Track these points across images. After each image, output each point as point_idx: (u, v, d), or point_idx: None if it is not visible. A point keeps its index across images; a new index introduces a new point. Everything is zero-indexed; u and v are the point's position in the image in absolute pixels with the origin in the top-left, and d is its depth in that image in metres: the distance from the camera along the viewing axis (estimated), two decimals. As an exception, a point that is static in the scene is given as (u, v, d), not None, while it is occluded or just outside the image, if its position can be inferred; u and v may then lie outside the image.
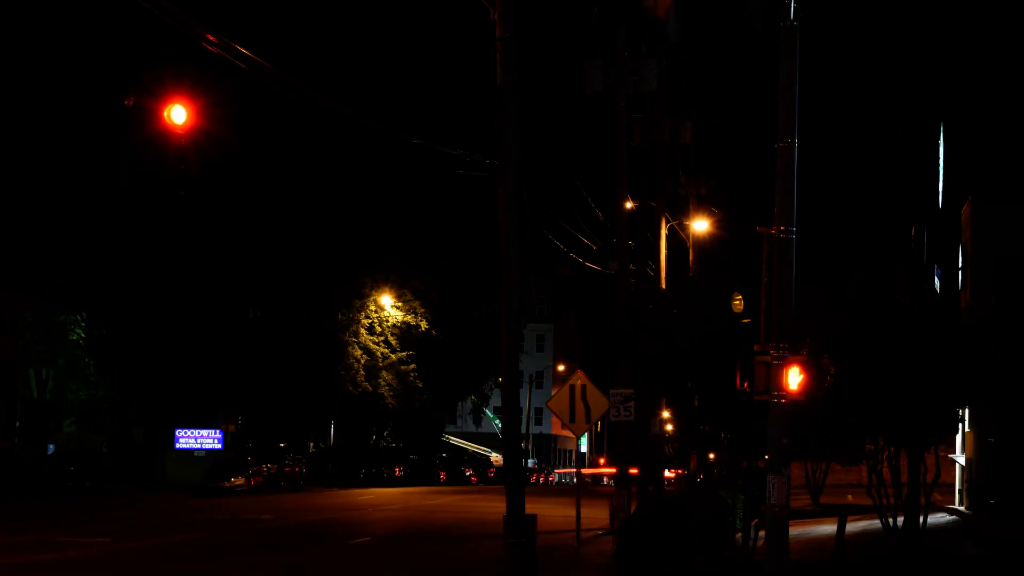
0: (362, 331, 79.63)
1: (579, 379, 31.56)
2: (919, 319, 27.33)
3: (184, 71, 48.42)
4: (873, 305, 27.42)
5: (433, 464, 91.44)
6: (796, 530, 29.55)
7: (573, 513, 34.36)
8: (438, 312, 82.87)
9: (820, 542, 32.27)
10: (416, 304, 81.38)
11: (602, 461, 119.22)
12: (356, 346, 79.08)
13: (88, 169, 64.66)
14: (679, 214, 50.75)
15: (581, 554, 31.08)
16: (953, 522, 42.50)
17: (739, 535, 28.20)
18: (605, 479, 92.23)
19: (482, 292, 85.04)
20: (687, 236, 51.74)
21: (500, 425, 46.10)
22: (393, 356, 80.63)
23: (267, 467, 66.26)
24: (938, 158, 54.62)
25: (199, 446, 70.48)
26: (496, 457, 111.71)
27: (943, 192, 54.24)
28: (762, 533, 23.63)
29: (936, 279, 52.00)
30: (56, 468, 63.61)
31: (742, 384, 23.05)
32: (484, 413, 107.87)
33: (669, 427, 50.37)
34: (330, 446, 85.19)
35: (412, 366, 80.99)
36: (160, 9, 18.45)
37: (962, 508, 48.43)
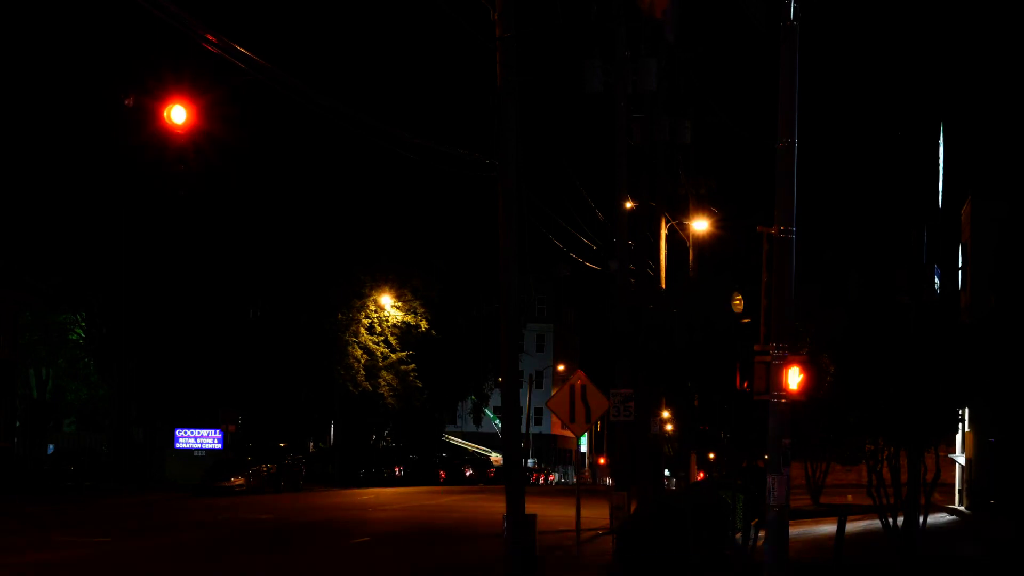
0: (362, 331, 79.63)
1: (579, 379, 31.56)
2: (918, 318, 27.33)
3: (184, 71, 48.49)
4: (873, 304, 27.44)
5: (433, 464, 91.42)
6: (796, 530, 29.54)
7: (573, 513, 34.39)
8: (438, 312, 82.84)
9: (820, 542, 32.27)
10: (416, 304, 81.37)
11: (602, 461, 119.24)
12: (356, 346, 79.08)
13: (87, 168, 64.67)
14: (679, 214, 50.77)
15: (581, 554, 31.10)
16: (953, 522, 42.53)
17: (739, 535, 28.18)
18: (609, 480, 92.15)
19: (482, 292, 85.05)
20: (687, 236, 51.76)
21: (500, 425, 46.16)
22: (393, 356, 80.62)
23: (267, 467, 66.27)
24: (938, 158, 54.63)
25: (199, 446, 70.48)
26: (496, 457, 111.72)
27: (943, 192, 54.23)
28: (762, 533, 23.63)
29: (936, 279, 51.99)
30: (56, 468, 63.59)
31: (742, 384, 23.05)
32: (484, 413, 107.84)
33: (669, 427, 50.39)
34: (330, 446, 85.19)
35: (412, 366, 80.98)
36: (160, 9, 18.46)
37: (962, 508, 48.44)
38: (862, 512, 39.61)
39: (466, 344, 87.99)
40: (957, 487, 51.68)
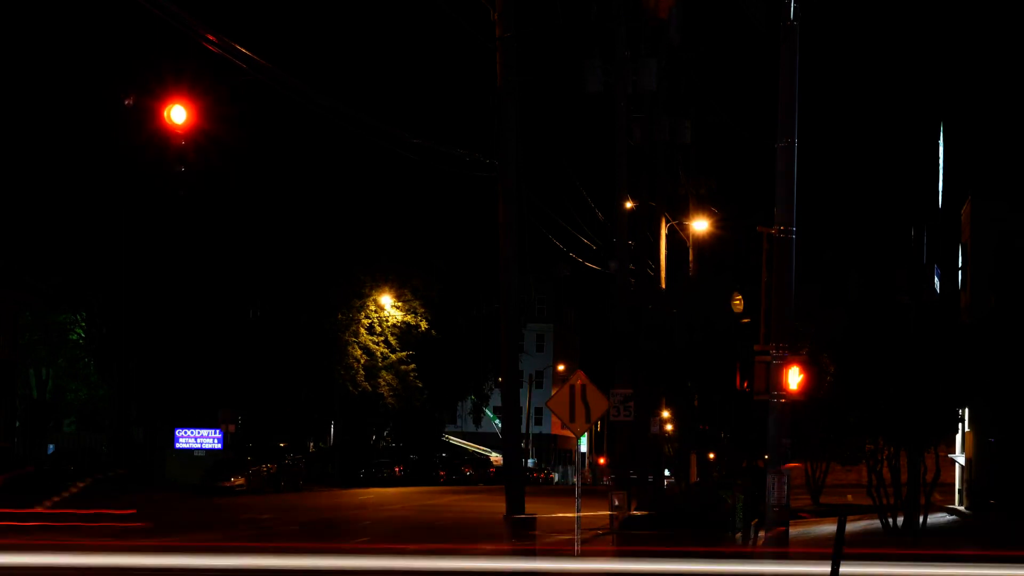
0: (362, 331, 79.62)
1: (579, 379, 31.49)
2: (918, 318, 27.35)
3: (184, 71, 48.44)
4: (873, 304, 27.46)
5: (433, 464, 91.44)
6: (796, 530, 29.53)
7: (573, 513, 34.33)
8: (438, 312, 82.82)
9: (820, 542, 32.26)
10: (416, 304, 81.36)
11: (602, 461, 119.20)
12: (356, 346, 79.08)
13: (88, 168, 64.67)
14: (679, 214, 50.75)
15: (581, 553, 31.08)
16: (953, 522, 42.52)
17: (739, 535, 28.18)
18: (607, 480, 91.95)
19: (482, 292, 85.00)
20: (687, 236, 51.74)
21: (500, 425, 46.07)
22: (393, 356, 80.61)
23: (267, 467, 66.27)
24: (938, 158, 54.64)
25: (199, 446, 70.48)
26: (496, 457, 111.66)
27: (943, 192, 54.25)
28: (762, 533, 23.64)
29: (936, 279, 52.00)
30: (56, 468, 63.56)
31: (742, 384, 23.06)
32: (484, 413, 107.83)
33: (669, 427, 50.38)
34: (330, 446, 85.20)
35: (412, 366, 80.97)
36: (160, 9, 18.46)
37: (962, 508, 48.44)
38: (862, 512, 39.61)
39: (466, 344, 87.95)
40: (957, 487, 51.69)
